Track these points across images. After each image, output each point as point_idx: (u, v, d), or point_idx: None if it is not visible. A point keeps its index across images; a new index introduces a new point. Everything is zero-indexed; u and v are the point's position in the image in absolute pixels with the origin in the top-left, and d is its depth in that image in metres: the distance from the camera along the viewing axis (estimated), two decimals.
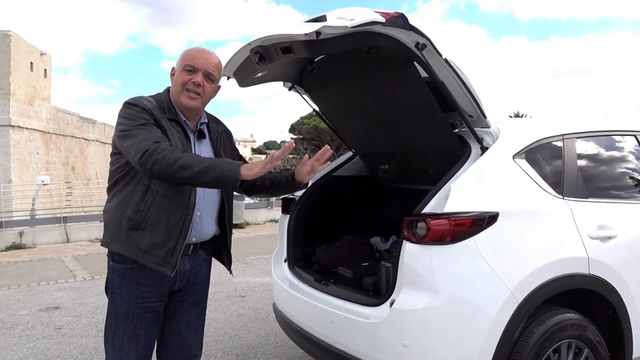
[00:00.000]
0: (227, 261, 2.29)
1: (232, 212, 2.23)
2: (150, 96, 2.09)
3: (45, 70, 27.88)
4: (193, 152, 2.06)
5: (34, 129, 25.68)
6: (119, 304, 2.03)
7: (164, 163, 1.80)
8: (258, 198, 14.02)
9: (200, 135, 2.14)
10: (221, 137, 2.21)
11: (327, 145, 2.08)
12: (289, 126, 38.39)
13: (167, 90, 2.14)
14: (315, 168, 2.09)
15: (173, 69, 2.11)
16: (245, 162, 2.20)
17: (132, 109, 1.96)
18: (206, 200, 2.08)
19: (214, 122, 2.24)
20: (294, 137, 39.12)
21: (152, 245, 1.93)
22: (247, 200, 13.32)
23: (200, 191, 2.04)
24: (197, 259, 2.16)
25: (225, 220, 2.19)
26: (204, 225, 2.10)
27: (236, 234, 10.67)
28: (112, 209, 2.00)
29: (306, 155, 2.11)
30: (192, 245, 2.09)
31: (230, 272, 2.35)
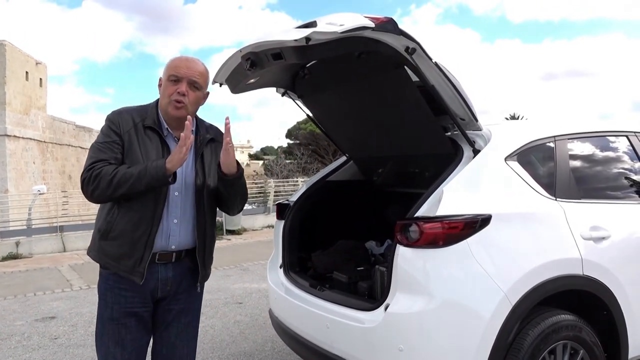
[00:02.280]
0: (199, 274, 2.15)
1: (207, 222, 2.13)
2: (142, 105, 2.14)
3: (40, 79, 27.84)
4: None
5: (30, 138, 25.62)
6: (104, 309, 2.07)
7: (100, 188, 1.93)
8: (255, 204, 14.08)
9: None
10: (208, 143, 2.17)
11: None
12: (286, 131, 38.45)
13: (157, 100, 2.16)
14: (226, 148, 2.00)
15: (160, 79, 2.12)
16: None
17: (106, 124, 2.07)
18: (184, 207, 2.07)
19: (205, 128, 2.21)
20: (291, 142, 39.18)
21: (120, 254, 2.01)
22: (245, 206, 13.29)
23: (178, 198, 2.05)
24: (182, 267, 2.12)
25: (197, 230, 2.10)
26: (182, 232, 2.08)
27: (233, 240, 10.67)
28: (96, 219, 2.12)
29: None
30: (174, 253, 2.08)
31: (197, 288, 2.20)
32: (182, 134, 1.90)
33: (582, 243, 2.38)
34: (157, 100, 2.15)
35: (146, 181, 1.91)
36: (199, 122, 2.21)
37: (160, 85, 2.12)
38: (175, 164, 1.92)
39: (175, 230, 2.06)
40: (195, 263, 2.14)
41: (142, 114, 2.09)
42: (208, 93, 2.18)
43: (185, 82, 2.04)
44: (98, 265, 2.12)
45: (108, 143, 2.01)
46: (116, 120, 2.05)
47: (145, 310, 2.08)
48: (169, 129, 2.10)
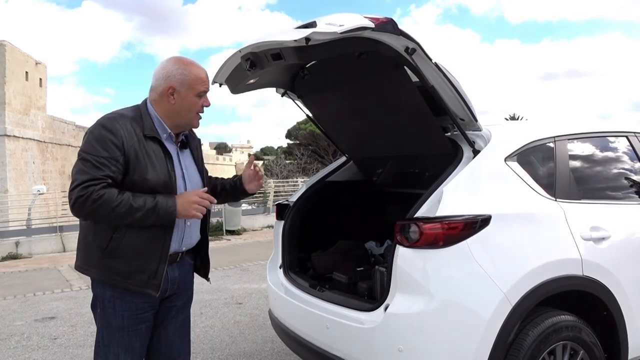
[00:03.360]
0: (206, 268, 2.28)
1: (209, 218, 2.25)
2: (129, 109, 2.03)
3: (40, 79, 27.85)
4: (176, 163, 2.04)
5: (30, 139, 25.63)
6: (112, 317, 1.98)
7: (99, 214, 1.83)
8: (255, 204, 14.09)
9: (183, 146, 2.13)
10: (198, 147, 2.24)
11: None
12: (286, 132, 38.43)
13: (146, 102, 2.06)
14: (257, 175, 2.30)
15: (172, 88, 1.98)
16: (210, 177, 2.37)
17: (102, 133, 1.88)
18: None
19: (190, 133, 2.22)
20: (291, 142, 39.15)
21: (131, 270, 1.92)
22: (245, 206, 13.31)
23: None
24: (185, 265, 2.17)
25: (203, 227, 2.21)
26: (193, 233, 2.13)
27: (233, 240, 10.67)
28: (82, 231, 2.00)
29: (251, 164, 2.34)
30: (180, 253, 2.10)
31: (208, 280, 2.31)
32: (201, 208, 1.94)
33: (582, 243, 2.38)
34: (146, 104, 2.05)
35: (153, 220, 1.87)
36: None
37: (171, 94, 1.99)
38: (186, 215, 1.93)
39: (188, 232, 2.08)
40: (193, 259, 2.23)
41: (138, 122, 1.97)
42: None
43: (207, 93, 2.08)
44: None
45: (106, 159, 1.84)
46: (118, 133, 1.88)
47: (153, 313, 2.07)
48: (171, 133, 2.06)
